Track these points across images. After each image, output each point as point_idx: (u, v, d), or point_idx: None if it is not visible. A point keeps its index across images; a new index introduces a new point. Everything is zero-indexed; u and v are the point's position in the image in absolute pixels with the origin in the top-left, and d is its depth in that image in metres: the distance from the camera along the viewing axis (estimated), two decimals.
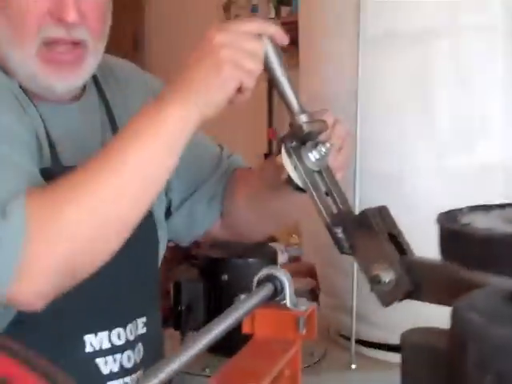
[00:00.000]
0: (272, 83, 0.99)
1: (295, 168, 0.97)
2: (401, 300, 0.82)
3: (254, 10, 3.25)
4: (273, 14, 3.16)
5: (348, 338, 1.42)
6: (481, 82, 1.31)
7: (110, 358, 1.12)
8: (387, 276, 0.82)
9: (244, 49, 0.93)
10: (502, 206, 0.69)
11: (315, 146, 0.97)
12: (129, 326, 1.14)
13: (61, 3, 1.04)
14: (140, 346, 1.17)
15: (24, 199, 0.90)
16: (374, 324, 1.42)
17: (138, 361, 1.16)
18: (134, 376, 1.15)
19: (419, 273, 0.82)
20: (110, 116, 1.21)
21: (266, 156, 3.42)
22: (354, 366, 1.35)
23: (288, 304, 0.96)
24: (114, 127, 1.19)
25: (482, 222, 0.63)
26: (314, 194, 0.96)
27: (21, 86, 1.10)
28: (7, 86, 1.08)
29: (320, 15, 1.43)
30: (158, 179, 0.95)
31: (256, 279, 0.98)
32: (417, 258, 0.85)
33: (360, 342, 1.41)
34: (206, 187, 1.28)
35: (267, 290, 0.95)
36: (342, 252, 0.95)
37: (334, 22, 1.37)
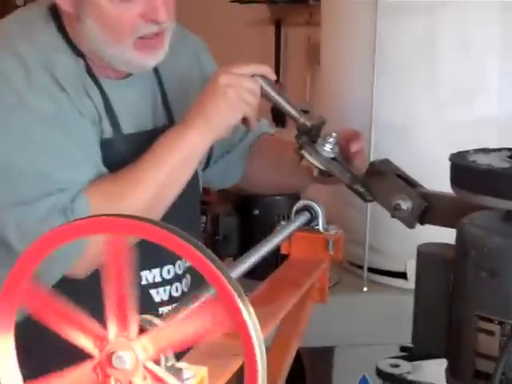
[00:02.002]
0: (273, 105, 1.27)
1: (311, 154, 1.20)
2: (421, 223, 1.04)
3: None
4: None
5: (359, 267, 1.65)
6: (480, 47, 1.51)
7: (161, 289, 1.34)
8: (405, 203, 1.04)
9: (244, 87, 1.20)
10: (498, 150, 0.91)
11: (324, 139, 1.21)
12: (178, 263, 1.35)
13: (152, 7, 1.18)
14: (188, 277, 1.38)
15: (86, 198, 1.17)
16: (382, 253, 1.65)
17: (186, 290, 1.38)
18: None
19: (430, 200, 1.04)
20: (160, 84, 1.37)
21: (273, 109, 3.60)
22: (365, 289, 1.59)
23: (321, 229, 1.18)
24: (164, 95, 1.37)
25: (484, 160, 0.85)
26: (337, 173, 1.21)
27: (88, 67, 1.25)
28: (70, 76, 1.22)
29: None
30: (181, 179, 1.23)
31: (294, 209, 1.19)
32: (427, 189, 1.07)
33: (369, 269, 1.64)
34: (241, 146, 1.48)
35: (305, 217, 1.17)
36: (366, 201, 1.18)
37: None
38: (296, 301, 1.16)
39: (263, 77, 1.23)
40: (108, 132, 1.27)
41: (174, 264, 1.36)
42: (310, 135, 1.21)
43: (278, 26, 3.51)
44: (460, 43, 1.51)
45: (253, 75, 1.22)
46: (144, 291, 1.31)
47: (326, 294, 1.24)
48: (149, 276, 1.32)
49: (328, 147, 1.20)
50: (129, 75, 1.31)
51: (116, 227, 0.62)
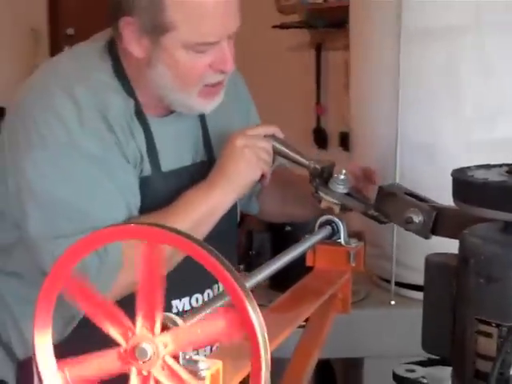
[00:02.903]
0: (285, 158, 1.39)
1: (327, 194, 1.30)
2: (432, 234, 1.11)
3: None
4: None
5: (388, 281, 1.72)
6: (500, 71, 1.58)
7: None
8: (417, 217, 1.11)
9: (259, 147, 1.32)
10: (499, 165, 0.99)
11: (337, 177, 1.30)
12: (207, 291, 1.44)
13: (222, 58, 1.27)
14: (209, 291, 1.45)
15: None
16: (409, 268, 1.71)
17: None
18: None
19: (439, 213, 1.11)
20: (202, 119, 1.45)
21: (315, 131, 3.68)
22: (393, 303, 1.66)
23: (342, 242, 1.26)
24: (205, 129, 1.45)
25: (481, 175, 0.93)
26: (353, 205, 1.30)
27: (136, 105, 1.31)
28: (120, 117, 1.28)
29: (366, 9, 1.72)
30: (203, 232, 1.30)
31: (318, 223, 1.28)
32: (436, 203, 1.14)
33: (397, 283, 1.71)
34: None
35: (326, 230, 1.26)
36: (381, 223, 1.27)
37: (378, 19, 1.66)
38: (315, 309, 1.24)
39: (274, 136, 1.36)
40: (147, 171, 1.34)
41: (202, 293, 1.44)
42: (323, 177, 1.31)
43: (318, 49, 3.60)
44: (480, 67, 1.58)
45: (265, 135, 1.34)
46: None
47: (348, 305, 1.31)
48: (179, 305, 1.40)
49: (341, 184, 1.29)
50: (173, 111, 1.39)
51: (141, 234, 0.72)
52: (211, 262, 0.70)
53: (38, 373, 0.74)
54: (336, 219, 1.27)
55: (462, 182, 0.93)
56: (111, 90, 1.31)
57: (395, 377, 1.20)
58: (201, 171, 1.37)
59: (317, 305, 1.16)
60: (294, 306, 1.12)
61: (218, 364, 0.75)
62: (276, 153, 1.35)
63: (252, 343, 0.70)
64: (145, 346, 0.71)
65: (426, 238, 1.15)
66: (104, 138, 1.28)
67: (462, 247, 0.94)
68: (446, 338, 0.98)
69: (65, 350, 0.74)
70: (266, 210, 1.58)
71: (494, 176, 0.92)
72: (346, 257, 1.27)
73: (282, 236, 1.65)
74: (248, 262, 1.65)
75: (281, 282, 1.28)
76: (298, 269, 1.28)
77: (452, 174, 0.96)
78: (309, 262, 1.30)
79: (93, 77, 1.31)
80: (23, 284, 1.37)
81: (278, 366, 1.20)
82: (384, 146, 1.65)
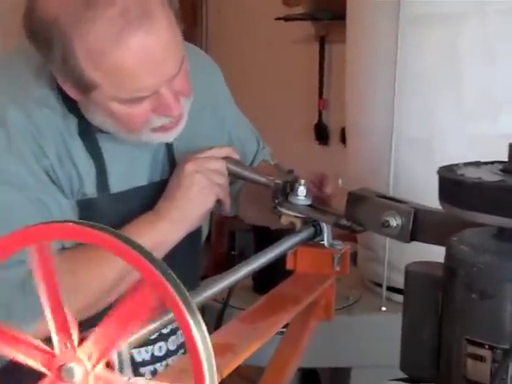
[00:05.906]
0: (242, 179, 1.28)
1: (289, 209, 1.18)
2: (412, 239, 0.99)
3: None
4: None
5: (380, 285, 1.61)
6: (503, 60, 1.47)
7: (142, 349, 1.32)
8: (394, 220, 0.99)
9: (211, 169, 1.20)
10: (491, 163, 0.87)
11: (295, 190, 1.18)
12: (171, 338, 1.34)
13: (164, 104, 1.12)
14: (173, 337, 1.36)
15: None
16: (402, 272, 1.59)
17: (172, 348, 1.36)
18: (163, 362, 1.35)
19: (420, 216, 0.99)
20: None
21: (317, 126, 3.58)
22: (384, 308, 1.54)
23: (325, 244, 1.16)
24: (169, 146, 1.29)
25: (473, 174, 0.81)
26: (319, 216, 1.17)
27: (80, 122, 1.18)
28: (56, 141, 1.16)
29: None
30: None
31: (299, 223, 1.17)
32: (415, 204, 1.01)
33: (389, 288, 1.60)
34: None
35: (309, 231, 1.15)
36: (356, 232, 1.13)
37: (375, 5, 1.55)
38: (291, 318, 1.13)
39: (227, 157, 1.23)
40: (91, 193, 1.22)
41: (166, 340, 1.35)
42: (286, 193, 1.19)
43: (321, 42, 3.51)
44: (483, 55, 1.48)
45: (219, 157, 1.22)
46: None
47: (331, 312, 1.21)
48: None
49: (301, 195, 1.17)
50: None
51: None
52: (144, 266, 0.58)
53: None
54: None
55: (452, 182, 0.81)
56: (48, 108, 1.18)
57: None
58: (160, 191, 1.24)
59: (293, 314, 1.06)
60: (266, 315, 1.01)
61: None
62: (231, 175, 1.24)
63: (194, 366, 0.59)
64: (69, 365, 0.61)
65: (406, 242, 1.03)
66: (33, 165, 1.16)
67: (449, 256, 0.83)
68: (428, 359, 0.87)
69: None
70: (245, 214, 1.47)
71: (486, 175, 0.81)
72: (330, 260, 1.17)
73: (266, 236, 1.53)
74: (230, 263, 1.54)
75: (265, 283, 1.21)
76: (283, 269, 1.20)
77: (439, 173, 0.84)
78: (289, 266, 1.19)
79: (29, 95, 1.17)
80: None
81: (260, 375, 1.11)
82: (379, 140, 1.55)
